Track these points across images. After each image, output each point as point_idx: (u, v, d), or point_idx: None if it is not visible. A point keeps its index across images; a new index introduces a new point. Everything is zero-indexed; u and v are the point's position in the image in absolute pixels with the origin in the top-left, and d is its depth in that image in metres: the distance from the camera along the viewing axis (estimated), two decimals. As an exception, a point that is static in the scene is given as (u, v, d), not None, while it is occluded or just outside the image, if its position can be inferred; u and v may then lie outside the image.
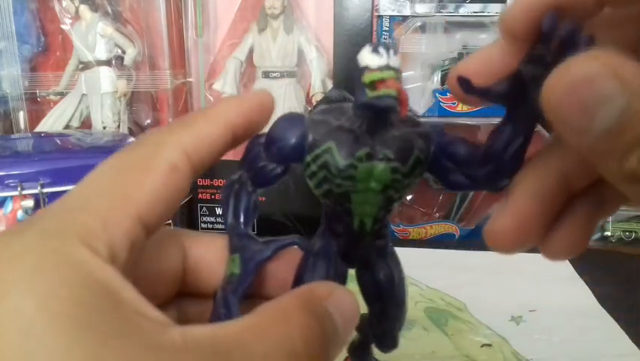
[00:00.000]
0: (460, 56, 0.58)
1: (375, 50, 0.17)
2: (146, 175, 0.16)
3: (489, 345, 0.40)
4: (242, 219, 0.21)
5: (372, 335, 0.23)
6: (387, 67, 0.17)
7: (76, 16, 0.61)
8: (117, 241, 0.15)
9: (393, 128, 0.19)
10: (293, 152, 0.19)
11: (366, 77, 0.17)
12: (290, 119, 0.19)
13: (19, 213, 0.45)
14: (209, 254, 0.21)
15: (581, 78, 0.13)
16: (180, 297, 0.22)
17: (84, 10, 0.61)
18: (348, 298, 0.18)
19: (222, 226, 0.23)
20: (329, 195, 0.19)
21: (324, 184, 0.19)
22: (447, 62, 0.59)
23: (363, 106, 0.18)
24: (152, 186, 0.16)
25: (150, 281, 0.19)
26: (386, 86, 0.17)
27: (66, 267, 0.14)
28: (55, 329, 0.13)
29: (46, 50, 0.63)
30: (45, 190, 0.44)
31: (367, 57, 0.17)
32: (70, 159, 0.47)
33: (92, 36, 0.61)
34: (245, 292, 0.20)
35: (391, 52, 0.17)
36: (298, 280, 0.21)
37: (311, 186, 0.20)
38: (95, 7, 0.61)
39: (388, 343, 0.23)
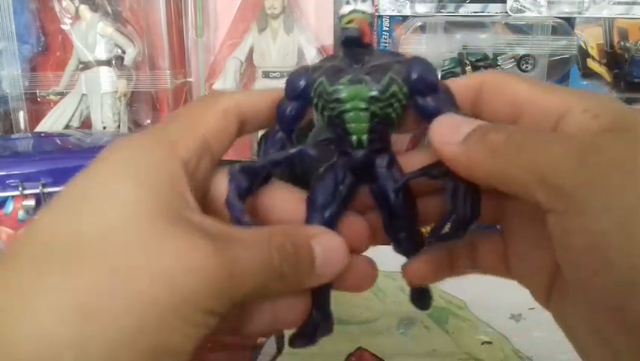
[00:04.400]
0: (461, 56, 0.58)
1: (347, 2, 0.24)
2: (205, 115, 0.24)
3: (489, 343, 0.40)
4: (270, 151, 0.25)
5: (391, 238, 0.27)
6: (355, 10, 0.24)
7: (76, 16, 0.61)
8: (190, 147, 0.22)
9: (373, 59, 0.24)
10: (303, 90, 0.24)
11: (342, 20, 0.24)
12: (298, 69, 0.25)
13: (20, 213, 0.45)
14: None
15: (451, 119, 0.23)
16: None
17: (84, 10, 0.61)
18: (336, 243, 0.23)
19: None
20: (330, 120, 0.24)
21: (324, 111, 0.24)
22: (447, 62, 0.59)
23: (340, 40, 0.24)
24: (210, 122, 0.24)
25: None
26: (354, 22, 0.23)
27: (156, 162, 0.21)
28: (143, 213, 0.19)
29: (46, 50, 0.63)
30: (46, 190, 0.45)
31: (342, 8, 0.24)
32: (70, 159, 0.47)
33: (92, 36, 0.61)
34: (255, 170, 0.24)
35: (359, 0, 0.24)
36: (311, 191, 0.25)
37: (317, 118, 0.25)
38: (94, 7, 0.61)
39: (405, 245, 0.26)
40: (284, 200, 0.26)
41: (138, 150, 0.21)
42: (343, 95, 0.23)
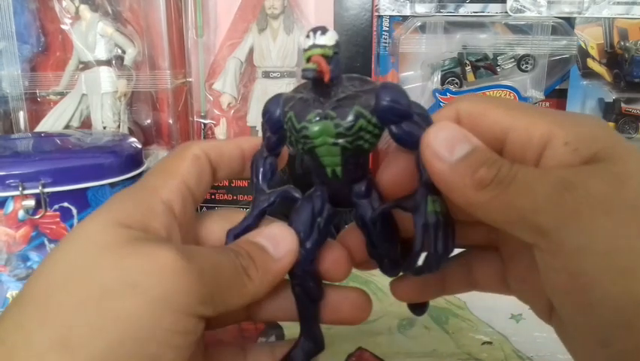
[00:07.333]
0: (460, 56, 0.58)
1: (307, 36, 0.22)
2: (180, 162, 0.26)
3: (489, 343, 0.40)
4: (260, 178, 0.26)
5: (376, 262, 0.27)
6: (314, 46, 0.22)
7: (77, 16, 0.61)
8: (171, 189, 0.24)
9: (340, 91, 0.23)
10: (277, 123, 0.25)
11: (303, 56, 0.22)
12: (272, 98, 0.25)
13: (20, 213, 0.45)
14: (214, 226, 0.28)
15: (449, 133, 0.22)
16: None
17: (84, 10, 0.61)
18: (278, 229, 0.25)
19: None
20: (303, 152, 0.24)
21: (297, 144, 0.24)
22: (447, 62, 0.59)
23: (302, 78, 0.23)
24: (185, 166, 0.25)
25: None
26: (312, 61, 0.22)
27: (133, 204, 0.23)
28: (108, 244, 0.20)
29: (46, 49, 0.63)
30: (46, 190, 0.45)
31: (302, 41, 0.23)
32: (70, 159, 0.47)
33: (92, 36, 0.61)
34: (242, 231, 0.26)
35: (318, 33, 0.22)
36: (289, 223, 0.26)
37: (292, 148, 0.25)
38: (95, 7, 0.61)
39: (387, 268, 0.27)
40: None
41: (120, 197, 0.24)
42: (311, 132, 0.23)
